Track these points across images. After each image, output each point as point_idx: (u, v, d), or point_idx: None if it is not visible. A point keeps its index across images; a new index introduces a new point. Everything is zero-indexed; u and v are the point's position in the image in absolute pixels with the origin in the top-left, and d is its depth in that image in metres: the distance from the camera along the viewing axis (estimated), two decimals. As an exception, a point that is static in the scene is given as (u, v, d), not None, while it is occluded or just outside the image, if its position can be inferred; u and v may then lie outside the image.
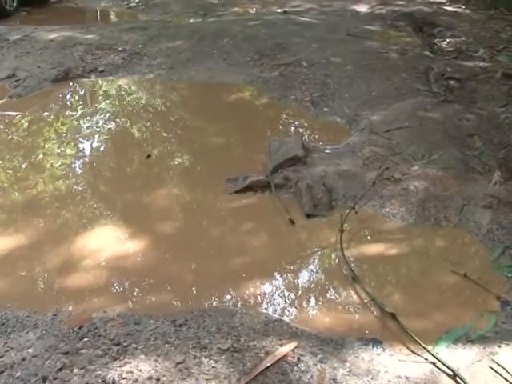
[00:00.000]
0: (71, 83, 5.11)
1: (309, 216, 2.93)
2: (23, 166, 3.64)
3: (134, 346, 2.02)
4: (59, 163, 3.63)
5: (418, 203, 3.01)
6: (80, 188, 3.31)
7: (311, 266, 2.65)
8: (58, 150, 3.81)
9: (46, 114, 4.47)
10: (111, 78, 5.24)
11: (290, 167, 3.31)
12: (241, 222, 2.94)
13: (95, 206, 3.13)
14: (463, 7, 8.48)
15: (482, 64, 5.38)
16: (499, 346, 2.07)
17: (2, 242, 2.78)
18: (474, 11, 8.22)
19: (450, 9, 8.27)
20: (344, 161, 3.41)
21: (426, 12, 7.79)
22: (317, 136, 4.01)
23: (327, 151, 3.57)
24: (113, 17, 8.86)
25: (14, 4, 8.29)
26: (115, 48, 5.89)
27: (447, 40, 6.31)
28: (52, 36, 6.26)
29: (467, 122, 3.97)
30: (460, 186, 3.16)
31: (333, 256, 2.68)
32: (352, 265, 2.57)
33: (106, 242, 2.77)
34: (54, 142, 3.98)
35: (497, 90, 4.61)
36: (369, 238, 2.83)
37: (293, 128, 4.17)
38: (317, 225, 2.89)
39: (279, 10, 8.06)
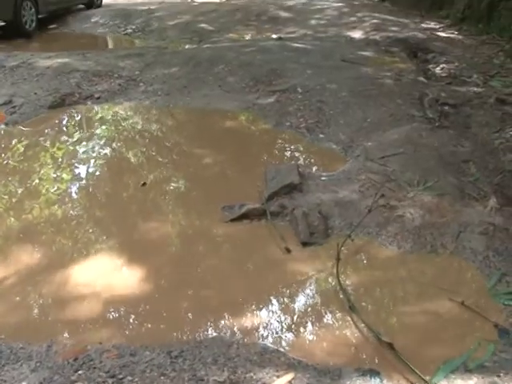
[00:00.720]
0: (67, 110, 5.13)
1: (305, 244, 2.92)
2: (19, 191, 3.63)
3: (130, 378, 2.00)
4: (55, 188, 3.63)
5: (414, 230, 3.01)
6: (75, 214, 3.30)
7: (308, 295, 2.63)
8: (54, 175, 3.81)
9: (42, 139, 4.47)
10: (107, 104, 5.26)
11: (285, 195, 3.31)
12: (237, 250, 2.93)
13: (90, 233, 3.11)
14: (456, 33, 8.58)
15: (475, 89, 5.42)
16: (498, 376, 2.06)
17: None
18: (467, 37, 8.31)
19: (443, 34, 8.36)
20: (340, 188, 3.41)
21: (419, 38, 7.87)
22: (312, 163, 4.02)
23: (323, 178, 3.58)
24: (109, 43, 8.93)
25: (34, 24, 8.85)
26: (111, 74, 5.93)
27: (441, 66, 6.36)
28: (49, 63, 6.29)
29: (462, 147, 3.98)
30: (456, 213, 3.16)
31: (329, 284, 2.66)
32: (349, 293, 2.56)
33: (101, 271, 2.75)
34: (49, 167, 3.97)
35: (491, 116, 4.64)
36: (365, 265, 2.82)
37: (288, 155, 4.18)
38: (313, 253, 2.88)
39: (274, 36, 8.15)
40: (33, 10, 8.78)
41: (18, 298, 2.56)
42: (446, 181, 3.47)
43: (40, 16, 9.09)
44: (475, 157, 3.84)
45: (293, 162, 3.76)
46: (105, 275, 2.72)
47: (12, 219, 3.31)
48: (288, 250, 2.87)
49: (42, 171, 3.93)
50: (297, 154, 4.19)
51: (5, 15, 8.31)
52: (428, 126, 4.31)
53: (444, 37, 8.24)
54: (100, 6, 11.69)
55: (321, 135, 4.35)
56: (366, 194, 3.34)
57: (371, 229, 3.04)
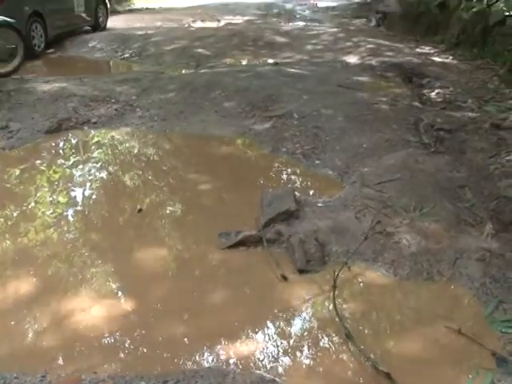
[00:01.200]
0: (64, 134, 5.13)
1: (302, 271, 2.92)
2: (14, 214, 3.64)
3: (125, 410, 1.98)
4: (50, 211, 3.65)
5: (411, 257, 3.01)
6: (71, 238, 3.31)
7: (304, 323, 2.62)
8: (50, 199, 3.82)
9: (38, 163, 4.48)
10: (104, 129, 5.27)
11: (282, 221, 3.31)
12: (233, 277, 2.93)
13: (86, 258, 3.10)
14: (451, 58, 8.65)
15: (470, 114, 5.45)
16: (497, 406, 2.05)
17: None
18: (461, 61, 8.38)
19: (437, 59, 8.43)
20: (336, 214, 3.42)
21: (414, 63, 7.93)
22: (309, 189, 4.02)
23: (319, 205, 3.58)
24: (106, 68, 8.97)
25: (42, 46, 9.09)
26: (108, 100, 5.95)
27: (436, 90, 6.40)
28: (46, 87, 6.33)
29: (458, 173, 4.00)
30: (452, 239, 3.17)
31: (326, 312, 2.66)
32: (345, 321, 2.56)
33: (96, 297, 2.74)
34: (45, 190, 4.00)
35: (486, 141, 4.66)
36: (362, 293, 2.82)
37: (285, 181, 4.19)
38: (310, 280, 2.88)
39: (270, 62, 8.20)
40: (42, 33, 9.05)
41: (11, 325, 2.55)
42: (442, 206, 3.48)
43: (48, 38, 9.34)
44: (471, 182, 3.85)
45: (289, 188, 3.76)
46: (100, 302, 2.71)
47: (7, 242, 3.31)
48: (284, 278, 2.87)
49: (38, 194, 3.93)
50: (293, 180, 4.19)
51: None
52: (424, 152, 4.33)
53: (439, 62, 8.30)
54: (104, 28, 12.00)
55: (317, 161, 4.37)
56: (363, 220, 3.35)
57: (368, 256, 3.04)
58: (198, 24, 12.94)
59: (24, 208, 3.72)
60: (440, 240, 3.15)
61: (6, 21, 7.05)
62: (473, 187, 3.78)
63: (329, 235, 3.20)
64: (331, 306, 2.65)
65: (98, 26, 11.72)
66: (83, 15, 11.10)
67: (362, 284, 2.87)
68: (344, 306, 2.69)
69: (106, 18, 12.36)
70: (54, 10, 9.46)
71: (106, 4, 12.28)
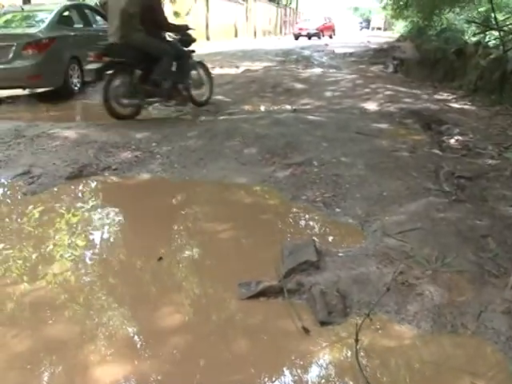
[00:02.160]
0: (85, 181, 5.18)
1: (323, 323, 2.88)
2: (33, 256, 3.67)
3: None
4: (69, 255, 3.69)
5: (434, 309, 2.96)
6: (88, 281, 3.34)
7: (326, 376, 2.57)
8: (69, 249, 3.83)
9: (58, 209, 4.53)
10: (124, 176, 5.30)
11: (302, 272, 3.29)
12: (254, 329, 2.89)
13: (102, 304, 3.11)
14: (469, 104, 8.69)
15: (490, 161, 5.44)
16: None
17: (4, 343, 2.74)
18: (480, 108, 8.42)
19: (456, 106, 8.47)
20: (357, 265, 3.38)
21: (433, 109, 7.98)
22: (329, 238, 4.00)
23: (340, 254, 3.55)
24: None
25: (79, 85, 10.26)
26: (129, 146, 5.99)
27: (455, 137, 6.40)
28: (68, 133, 6.41)
29: (480, 222, 3.96)
30: (476, 291, 3.11)
31: (348, 366, 2.61)
32: (368, 375, 2.50)
33: (113, 345, 2.72)
34: (64, 234, 4.04)
35: (507, 188, 4.64)
36: (384, 346, 2.76)
37: (305, 230, 4.18)
38: (331, 333, 2.83)
39: (289, 108, 8.28)
40: (79, 74, 10.25)
41: (24, 370, 2.53)
42: (464, 257, 3.44)
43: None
44: (494, 232, 3.80)
45: (309, 238, 3.74)
46: (116, 348, 2.69)
47: (25, 284, 3.33)
48: (306, 330, 2.82)
49: (56, 237, 3.98)
50: (313, 229, 4.18)
51: (56, 84, 9.84)
52: (445, 200, 4.31)
53: (457, 108, 8.34)
54: None
55: (337, 209, 4.35)
56: (384, 270, 3.31)
57: (390, 307, 3.00)
58: (217, 70, 13.14)
59: (42, 250, 3.75)
60: (463, 292, 3.10)
61: None
62: (496, 237, 3.73)
63: (350, 286, 3.17)
64: (353, 360, 2.60)
65: None
66: None
67: (384, 337, 2.81)
68: (366, 359, 2.63)
69: None
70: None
71: None
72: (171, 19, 21.38)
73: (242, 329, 2.91)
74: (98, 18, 11.73)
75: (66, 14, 10.61)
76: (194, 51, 8.23)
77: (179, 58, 7.67)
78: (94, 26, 11.43)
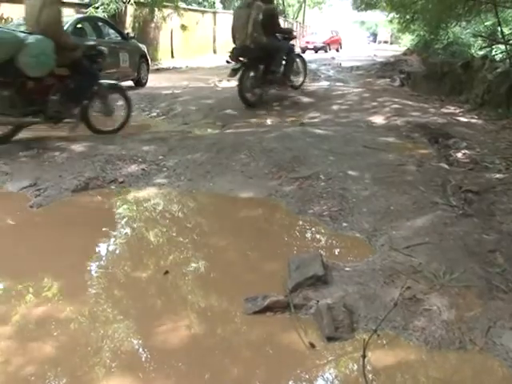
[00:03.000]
0: (91, 193, 5.18)
1: (330, 339, 2.86)
2: (38, 269, 3.68)
3: None
4: (75, 272, 3.66)
5: (442, 325, 2.93)
6: (94, 294, 3.35)
7: (333, 392, 2.56)
8: (75, 262, 3.82)
9: (64, 221, 4.53)
10: (131, 188, 5.30)
11: (309, 286, 3.27)
12: (260, 344, 2.87)
13: (107, 317, 3.09)
14: (476, 117, 8.68)
15: (498, 175, 5.41)
16: None
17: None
18: (487, 121, 8.40)
19: (463, 119, 8.46)
20: (364, 279, 3.37)
21: (440, 123, 7.96)
22: (336, 252, 3.99)
23: (347, 269, 3.53)
24: (134, 127, 9.09)
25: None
26: (135, 159, 6.00)
27: (462, 151, 6.38)
28: (75, 145, 6.43)
29: (488, 236, 3.93)
30: (484, 306, 3.09)
31: (355, 382, 2.58)
32: (376, 392, 2.49)
33: (120, 361, 2.70)
34: (71, 247, 4.02)
35: (515, 203, 4.61)
36: (392, 362, 2.73)
37: (312, 244, 4.16)
38: (338, 348, 2.81)
39: (295, 121, 8.28)
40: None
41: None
42: (472, 272, 3.42)
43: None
44: (502, 246, 3.78)
45: (316, 252, 3.73)
46: (122, 363, 2.68)
47: (30, 296, 3.33)
48: (312, 346, 2.81)
49: (62, 250, 3.97)
50: (320, 243, 4.16)
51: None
52: (452, 214, 4.29)
53: (464, 122, 8.33)
54: (145, 85, 13.57)
55: (344, 223, 4.34)
56: (392, 285, 3.29)
57: (397, 323, 2.97)
58: (224, 83, 13.18)
59: (48, 263, 3.76)
60: (472, 307, 3.08)
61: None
62: (504, 251, 3.70)
63: (357, 301, 3.15)
64: (360, 377, 2.58)
65: (139, 81, 13.32)
66: (128, 70, 12.67)
67: (391, 353, 2.79)
68: (373, 375, 2.61)
69: (147, 74, 13.97)
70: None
71: (147, 62, 13.98)
72: (179, 32, 21.50)
73: (248, 344, 2.89)
74: (111, 30, 12.64)
75: (80, 26, 11.10)
76: (294, 45, 11.04)
77: (288, 52, 10.18)
78: (106, 38, 12.17)
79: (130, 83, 13.06)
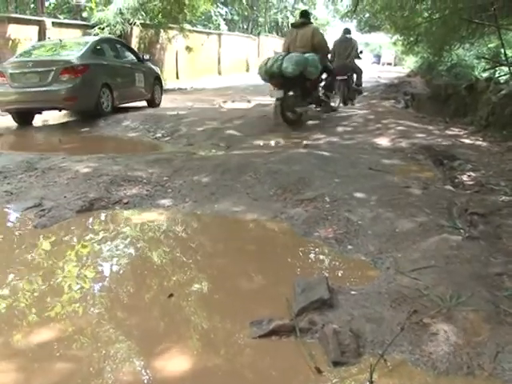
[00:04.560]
0: (96, 214, 5.18)
1: (336, 364, 2.82)
2: (42, 288, 3.69)
3: None
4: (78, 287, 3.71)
5: (449, 350, 2.90)
6: (96, 313, 3.36)
7: (340, 419, 2.53)
8: (79, 284, 3.82)
9: (69, 243, 4.54)
10: (135, 210, 5.31)
11: (315, 310, 3.24)
12: (265, 368, 2.85)
13: (109, 338, 3.09)
14: (481, 139, 8.67)
15: (504, 198, 5.39)
16: None
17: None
18: (492, 143, 8.39)
19: (467, 141, 8.45)
20: (370, 303, 3.34)
21: (444, 145, 7.95)
22: (342, 276, 3.96)
23: (353, 292, 3.51)
24: (139, 147, 9.14)
25: (109, 108, 11.66)
26: (140, 180, 6.00)
27: (467, 173, 6.37)
28: (79, 166, 6.43)
29: (494, 259, 3.90)
30: (492, 331, 3.05)
31: (362, 408, 2.56)
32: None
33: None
34: (74, 267, 4.02)
35: (521, 226, 4.58)
36: (399, 388, 2.71)
37: (317, 267, 4.14)
38: (345, 374, 2.77)
39: (300, 142, 8.28)
40: (110, 98, 11.73)
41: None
42: (479, 295, 3.38)
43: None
44: (509, 269, 3.74)
45: (322, 276, 3.70)
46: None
47: (33, 315, 3.33)
48: (319, 370, 2.77)
49: (66, 271, 3.99)
50: (325, 266, 4.14)
51: (89, 106, 11.27)
52: (458, 237, 4.25)
53: (469, 143, 8.32)
54: (158, 105, 14.27)
55: (349, 246, 4.32)
56: (398, 309, 3.25)
57: (404, 347, 2.94)
58: (229, 105, 13.24)
59: (52, 283, 3.76)
60: (479, 331, 3.04)
61: None
62: (511, 275, 3.67)
63: (363, 325, 3.12)
64: (367, 402, 2.55)
65: (153, 102, 14.08)
66: (142, 90, 13.50)
67: (398, 378, 2.76)
68: (381, 401, 2.58)
69: (161, 95, 14.67)
70: (119, 82, 12.15)
71: (161, 83, 14.74)
72: (184, 53, 21.67)
73: (254, 368, 2.87)
74: (127, 52, 13.46)
75: (99, 46, 12.07)
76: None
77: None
78: (123, 59, 13.01)
79: (143, 103, 14.03)
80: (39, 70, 10.56)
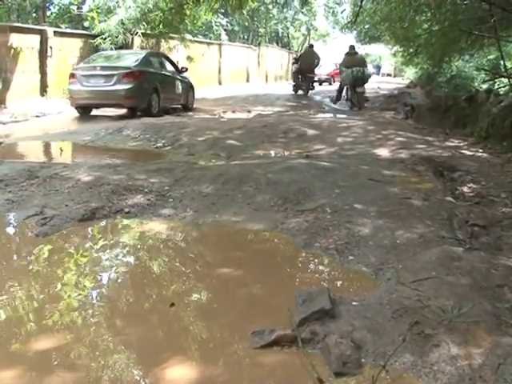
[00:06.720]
0: (97, 223, 5.18)
1: (337, 374, 2.82)
2: (42, 297, 3.68)
3: None
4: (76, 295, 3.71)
5: (451, 361, 2.89)
6: (95, 322, 3.34)
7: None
8: (78, 292, 3.82)
9: (70, 252, 4.53)
10: (137, 219, 5.30)
11: (316, 320, 3.24)
12: (267, 379, 2.84)
13: (108, 346, 3.08)
14: (481, 151, 8.69)
15: (504, 209, 5.40)
16: None
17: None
18: (492, 154, 8.41)
19: (468, 152, 8.47)
20: (372, 314, 3.34)
21: (445, 156, 7.98)
22: (343, 286, 3.97)
23: (354, 303, 3.51)
24: (140, 157, 9.12)
25: (157, 109, 14.22)
26: (141, 189, 5.99)
27: (468, 185, 6.38)
28: (81, 175, 6.42)
29: (495, 271, 3.90)
30: (493, 342, 3.05)
31: (364, 419, 2.56)
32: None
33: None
34: (75, 276, 4.02)
35: (522, 237, 4.59)
36: (401, 400, 2.71)
37: (318, 277, 4.14)
38: (346, 384, 2.78)
39: (301, 153, 8.30)
40: (157, 100, 14.33)
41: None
42: (480, 307, 3.38)
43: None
44: (510, 281, 3.75)
45: (323, 287, 3.71)
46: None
47: (31, 324, 3.34)
48: (320, 381, 2.77)
49: (66, 280, 3.99)
50: (327, 277, 4.14)
51: (142, 105, 13.90)
52: (459, 249, 4.26)
53: (469, 155, 8.34)
54: (192, 109, 16.70)
55: (350, 257, 4.32)
56: (399, 320, 3.26)
57: (406, 359, 2.94)
58: (229, 115, 13.27)
59: (51, 292, 3.76)
60: (481, 343, 3.04)
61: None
62: (512, 286, 3.68)
63: (365, 336, 3.12)
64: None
65: (187, 106, 16.61)
66: (181, 96, 16.23)
67: (400, 389, 2.76)
68: (382, 413, 2.58)
69: (193, 100, 17.31)
70: (164, 88, 14.68)
71: (193, 90, 17.32)
72: (185, 63, 21.77)
73: (256, 378, 2.86)
74: (168, 64, 16.09)
75: (149, 58, 14.97)
76: None
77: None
78: (166, 69, 15.74)
79: (179, 107, 16.35)
80: (105, 73, 13.47)
